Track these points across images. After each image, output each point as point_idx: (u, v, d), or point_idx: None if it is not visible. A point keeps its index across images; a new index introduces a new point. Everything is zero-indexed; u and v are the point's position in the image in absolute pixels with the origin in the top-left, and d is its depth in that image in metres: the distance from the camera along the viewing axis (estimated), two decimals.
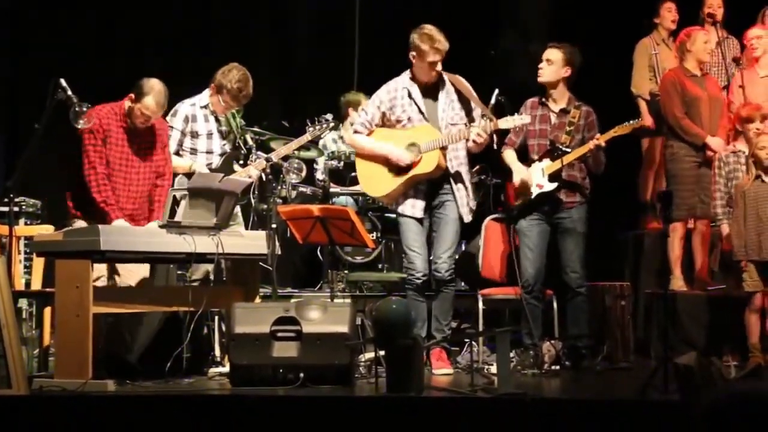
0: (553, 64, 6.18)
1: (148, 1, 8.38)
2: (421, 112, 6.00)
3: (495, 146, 6.16)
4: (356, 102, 7.59)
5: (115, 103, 5.83)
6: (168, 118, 6.21)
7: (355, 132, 6.16)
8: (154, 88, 5.73)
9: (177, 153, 6.24)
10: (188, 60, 7.80)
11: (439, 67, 5.96)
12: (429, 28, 5.94)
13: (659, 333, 6.55)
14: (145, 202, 5.91)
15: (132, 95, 5.74)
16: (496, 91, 6.12)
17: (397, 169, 6.01)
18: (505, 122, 5.97)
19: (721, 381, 5.04)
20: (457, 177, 6.03)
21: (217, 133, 6.35)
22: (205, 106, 6.32)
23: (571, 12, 8.02)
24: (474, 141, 5.91)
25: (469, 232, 6.69)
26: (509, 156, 6.30)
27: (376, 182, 6.09)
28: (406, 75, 6.07)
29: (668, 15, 7.79)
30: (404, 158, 5.96)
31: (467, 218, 6.06)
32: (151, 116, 5.77)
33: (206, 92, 6.33)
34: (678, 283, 6.82)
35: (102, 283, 5.74)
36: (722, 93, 6.99)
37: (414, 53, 5.98)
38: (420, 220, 6.02)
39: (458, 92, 6.08)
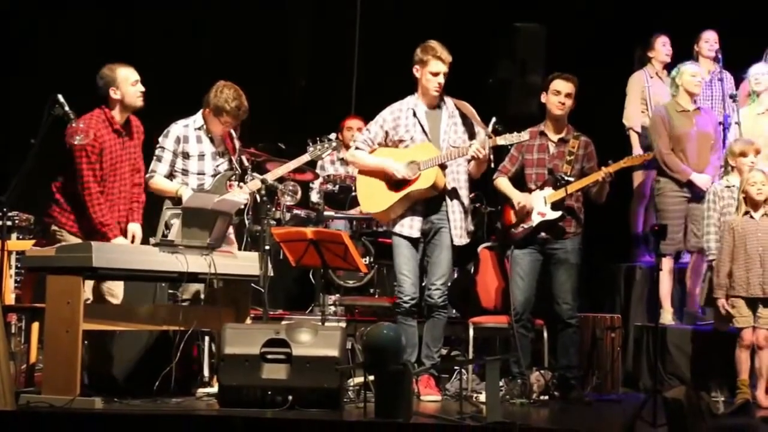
0: (571, 98, 6.19)
1: (146, 26, 8.40)
2: (424, 131, 6.02)
3: (492, 165, 6.14)
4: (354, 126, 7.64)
5: (98, 110, 5.74)
6: (160, 138, 6.09)
7: (357, 149, 6.17)
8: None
9: (170, 175, 6.06)
10: (187, 80, 7.79)
11: (441, 79, 5.97)
12: (432, 41, 6.00)
13: (649, 366, 6.57)
14: (128, 203, 5.92)
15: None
16: (493, 119, 6.15)
17: (395, 186, 5.99)
18: (503, 139, 5.97)
19: (709, 416, 5.05)
20: (454, 199, 6.02)
21: (210, 154, 6.12)
22: (200, 128, 6.10)
23: (565, 43, 8.06)
24: (473, 156, 5.91)
25: (462, 259, 6.69)
26: (503, 183, 6.30)
27: (374, 199, 6.08)
28: (411, 97, 6.10)
29: (662, 49, 7.85)
30: (400, 171, 5.95)
31: (458, 242, 6.02)
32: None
33: (199, 114, 6.12)
34: (667, 317, 6.83)
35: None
36: (713, 128, 7.01)
37: (417, 66, 6.01)
38: (415, 241, 6.02)
39: (462, 116, 6.10)
